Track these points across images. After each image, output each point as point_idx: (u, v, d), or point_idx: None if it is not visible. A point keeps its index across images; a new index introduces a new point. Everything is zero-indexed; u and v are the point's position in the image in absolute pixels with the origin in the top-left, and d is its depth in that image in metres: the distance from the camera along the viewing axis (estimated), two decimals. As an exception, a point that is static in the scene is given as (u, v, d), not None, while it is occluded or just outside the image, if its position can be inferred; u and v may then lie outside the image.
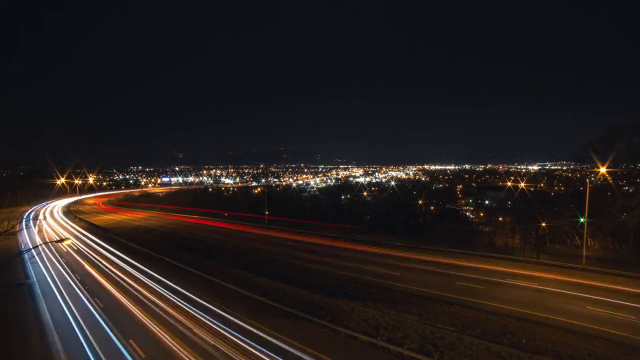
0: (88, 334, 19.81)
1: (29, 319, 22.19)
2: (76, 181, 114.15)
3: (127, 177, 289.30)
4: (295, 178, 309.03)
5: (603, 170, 38.68)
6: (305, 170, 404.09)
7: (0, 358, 18.32)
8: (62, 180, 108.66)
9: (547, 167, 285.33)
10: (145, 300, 24.59)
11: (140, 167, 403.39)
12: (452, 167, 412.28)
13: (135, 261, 35.61)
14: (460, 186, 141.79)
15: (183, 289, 26.64)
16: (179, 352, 17.45)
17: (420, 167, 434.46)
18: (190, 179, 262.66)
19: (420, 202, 72.53)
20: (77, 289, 27.61)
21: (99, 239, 48.20)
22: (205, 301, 24.11)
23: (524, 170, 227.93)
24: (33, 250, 38.79)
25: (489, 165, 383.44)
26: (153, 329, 20.10)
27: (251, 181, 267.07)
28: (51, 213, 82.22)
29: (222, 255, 38.30)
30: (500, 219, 50.60)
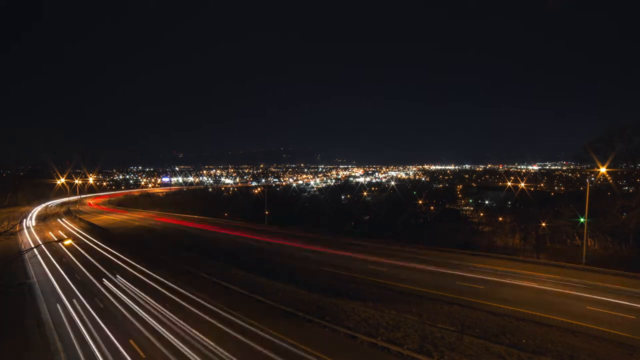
0: (88, 334, 19.82)
1: (29, 319, 22.19)
2: (76, 181, 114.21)
3: (127, 177, 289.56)
4: (295, 178, 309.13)
5: (603, 170, 38.71)
6: (305, 170, 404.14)
7: (0, 358, 18.33)
8: (62, 180, 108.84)
9: (547, 167, 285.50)
10: (145, 300, 24.59)
11: (140, 167, 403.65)
12: (452, 167, 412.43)
13: (135, 261, 35.62)
14: (460, 186, 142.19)
15: (183, 289, 26.65)
16: (180, 352, 17.45)
17: (420, 167, 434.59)
18: (190, 179, 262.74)
19: (420, 202, 72.74)
20: (77, 289, 27.62)
21: (99, 239, 48.21)
22: (205, 301, 24.11)
23: (524, 170, 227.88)
24: (33, 250, 38.81)
25: (489, 165, 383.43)
26: (153, 329, 20.11)
27: (251, 181, 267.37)
28: (51, 213, 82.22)
29: (222, 255, 38.28)
30: (500, 219, 50.71)
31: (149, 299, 24.86)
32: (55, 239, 46.29)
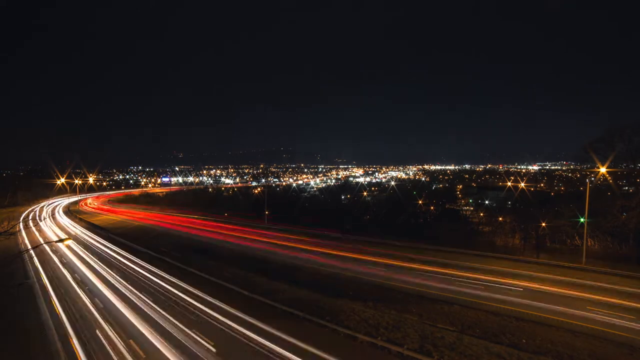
0: (88, 334, 19.80)
1: (28, 319, 22.18)
2: (76, 181, 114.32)
3: (127, 177, 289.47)
4: (295, 178, 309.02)
5: (603, 170, 38.68)
6: (305, 170, 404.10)
7: (0, 358, 18.32)
8: (62, 180, 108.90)
9: (547, 167, 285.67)
10: (145, 300, 24.56)
11: (140, 167, 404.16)
12: (452, 167, 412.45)
13: (136, 260, 35.60)
14: (460, 186, 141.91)
15: (183, 289, 26.64)
16: (181, 352, 17.43)
17: (420, 167, 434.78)
18: (190, 179, 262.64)
19: (420, 202, 72.69)
20: (77, 288, 27.60)
21: (99, 239, 48.19)
22: (206, 301, 24.10)
23: (524, 170, 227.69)
24: (33, 251, 38.79)
25: (489, 165, 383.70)
26: (153, 328, 20.09)
27: (251, 181, 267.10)
28: (51, 213, 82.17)
29: (221, 255, 38.30)
30: (500, 219, 50.64)
31: (150, 299, 24.84)
32: (55, 239, 46.26)
